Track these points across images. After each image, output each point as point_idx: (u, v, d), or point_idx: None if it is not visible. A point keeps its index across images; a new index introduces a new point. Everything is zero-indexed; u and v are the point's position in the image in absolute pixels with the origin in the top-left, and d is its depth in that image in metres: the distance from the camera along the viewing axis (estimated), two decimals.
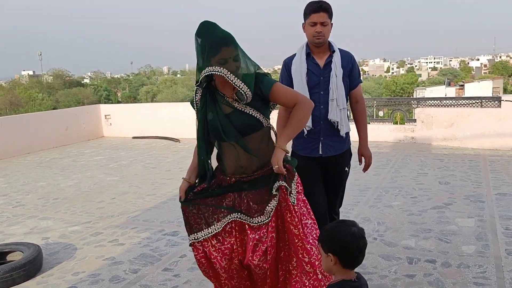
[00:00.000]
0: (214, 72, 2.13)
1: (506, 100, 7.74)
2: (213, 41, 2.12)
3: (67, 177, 7.00)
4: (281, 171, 2.21)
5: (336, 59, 2.86)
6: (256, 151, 2.27)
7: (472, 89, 43.65)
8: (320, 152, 2.91)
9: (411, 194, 5.19)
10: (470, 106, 8.25)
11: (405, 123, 9.14)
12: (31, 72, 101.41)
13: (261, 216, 2.23)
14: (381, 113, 9.91)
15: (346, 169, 3.05)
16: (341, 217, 4.47)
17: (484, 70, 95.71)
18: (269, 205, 2.22)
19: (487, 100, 8.14)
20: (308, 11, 2.80)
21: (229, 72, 2.12)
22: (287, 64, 2.97)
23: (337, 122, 2.87)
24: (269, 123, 2.33)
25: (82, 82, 77.94)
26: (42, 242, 4.26)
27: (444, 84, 57.16)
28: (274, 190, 2.21)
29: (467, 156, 7.20)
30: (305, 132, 2.88)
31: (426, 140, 8.40)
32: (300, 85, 2.84)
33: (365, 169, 3.19)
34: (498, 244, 3.70)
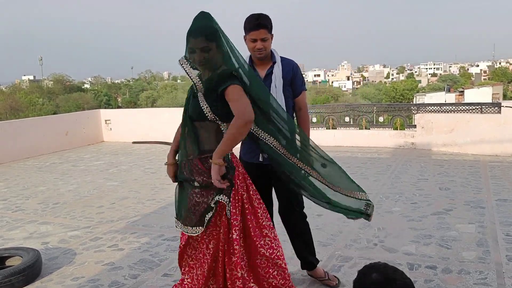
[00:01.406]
0: (179, 62, 2.35)
1: (506, 106, 7.75)
2: (188, 31, 2.30)
3: (67, 182, 6.99)
4: (220, 186, 2.30)
5: (276, 70, 2.92)
6: (202, 139, 2.41)
7: (472, 95, 43.67)
8: (260, 159, 2.95)
9: (411, 200, 5.18)
10: (470, 112, 8.25)
11: (405, 129, 9.14)
12: (31, 77, 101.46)
13: (199, 227, 2.46)
14: (381, 119, 9.91)
15: None
16: (340, 224, 4.48)
17: (484, 76, 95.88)
18: (207, 216, 2.42)
19: (487, 106, 8.14)
20: (248, 27, 2.81)
21: (185, 62, 2.32)
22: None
23: None
24: (217, 120, 2.38)
25: (83, 87, 77.96)
26: (41, 247, 4.25)
27: (444, 90, 57.21)
28: (212, 203, 2.39)
29: (467, 162, 7.20)
30: (246, 139, 2.93)
31: (426, 145, 8.40)
32: None
33: None
34: (499, 250, 3.68)
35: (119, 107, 59.31)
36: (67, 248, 4.21)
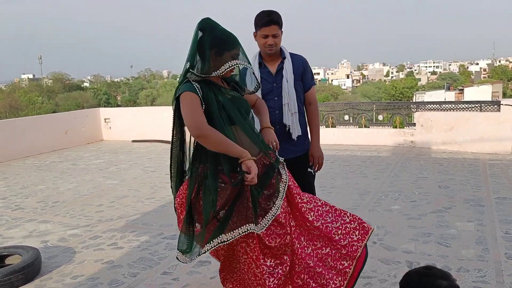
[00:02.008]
0: (241, 65, 2.34)
1: (505, 104, 7.76)
2: (228, 37, 2.30)
3: (66, 181, 6.99)
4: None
5: (287, 65, 2.97)
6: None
7: (472, 93, 43.66)
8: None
9: (410, 198, 5.18)
10: (470, 110, 8.26)
11: (405, 127, 9.15)
12: (31, 76, 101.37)
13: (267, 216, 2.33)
14: (380, 117, 9.92)
15: (309, 170, 3.12)
16: None
17: (484, 74, 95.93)
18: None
19: (486, 104, 8.15)
20: (260, 23, 2.86)
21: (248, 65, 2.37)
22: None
23: (289, 126, 2.99)
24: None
25: (82, 85, 77.97)
26: (41, 245, 4.25)
27: (444, 88, 57.22)
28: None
29: (467, 160, 7.21)
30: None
31: (426, 144, 8.40)
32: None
33: (316, 169, 3.20)
34: (498, 248, 3.69)
35: (118, 105, 59.24)
36: (66, 247, 4.21)
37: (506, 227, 4.16)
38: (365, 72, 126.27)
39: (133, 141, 10.74)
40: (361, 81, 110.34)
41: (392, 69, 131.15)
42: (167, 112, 11.02)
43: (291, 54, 3.03)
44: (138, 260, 3.80)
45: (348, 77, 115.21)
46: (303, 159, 3.09)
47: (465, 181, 5.89)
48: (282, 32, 2.93)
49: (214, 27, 2.29)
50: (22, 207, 5.67)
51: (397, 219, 4.50)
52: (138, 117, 11.18)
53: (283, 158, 2.54)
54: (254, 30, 2.95)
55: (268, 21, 2.83)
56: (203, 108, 2.27)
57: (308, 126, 3.19)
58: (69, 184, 6.75)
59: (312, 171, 3.13)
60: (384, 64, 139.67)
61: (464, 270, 3.32)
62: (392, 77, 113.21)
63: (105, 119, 11.35)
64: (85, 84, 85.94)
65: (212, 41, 2.26)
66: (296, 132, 3.01)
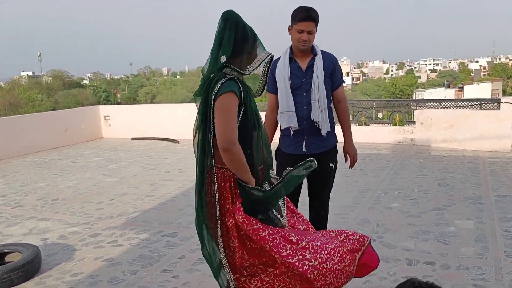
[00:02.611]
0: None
1: (505, 102, 7.75)
2: (254, 32, 2.21)
3: (66, 178, 6.99)
4: None
5: (318, 62, 2.99)
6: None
7: (471, 91, 43.70)
8: (304, 150, 3.05)
9: (410, 196, 5.19)
10: (470, 108, 8.26)
11: (404, 125, 9.14)
12: (30, 73, 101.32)
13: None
14: (380, 115, 9.92)
15: (331, 165, 3.15)
16: (339, 219, 4.48)
17: (483, 72, 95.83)
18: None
19: (486, 102, 8.15)
20: (297, 18, 2.88)
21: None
22: (271, 67, 3.03)
23: (319, 122, 3.00)
24: None
25: (82, 83, 77.92)
26: (40, 243, 4.25)
27: (444, 86, 57.22)
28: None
29: (466, 158, 7.21)
30: (292, 132, 3.04)
31: (425, 142, 8.40)
32: (283, 87, 2.99)
33: (351, 166, 3.30)
34: (497, 246, 3.69)
35: (118, 103, 59.24)
36: (66, 244, 4.21)
37: (506, 225, 4.16)
38: (364, 70, 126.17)
39: (133, 138, 10.73)
40: (360, 78, 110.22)
41: (392, 66, 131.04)
42: (167, 110, 11.02)
43: (322, 52, 3.05)
44: (138, 258, 3.81)
45: (348, 75, 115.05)
46: (328, 154, 3.12)
47: (465, 179, 5.89)
48: (316, 30, 2.94)
49: (242, 20, 2.18)
50: (22, 204, 5.67)
51: (397, 217, 4.50)
52: (137, 115, 11.17)
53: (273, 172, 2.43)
54: (290, 24, 2.96)
55: (306, 16, 2.85)
56: (242, 112, 2.14)
57: (339, 124, 3.25)
58: (68, 182, 6.75)
59: (333, 166, 3.17)
60: (384, 62, 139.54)
61: (463, 268, 3.33)
62: (392, 74, 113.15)
63: (104, 117, 11.34)
64: (84, 81, 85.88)
65: (245, 34, 2.15)
66: (325, 128, 3.04)
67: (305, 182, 3.06)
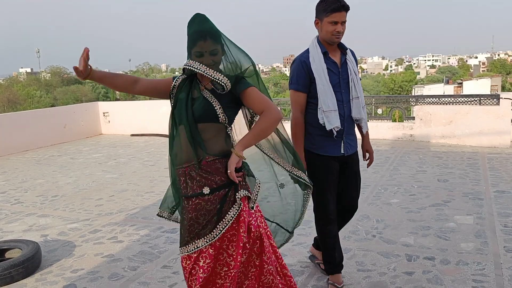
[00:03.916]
0: (186, 67, 2.16)
1: (505, 98, 7.75)
2: (192, 34, 2.15)
3: (65, 175, 6.99)
4: (233, 177, 2.16)
5: (350, 57, 2.86)
6: (207, 141, 2.20)
7: (470, 87, 43.64)
8: (342, 151, 2.87)
9: (409, 192, 5.19)
10: (469, 104, 8.25)
11: (404, 121, 9.15)
12: (29, 70, 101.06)
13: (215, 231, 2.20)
14: (379, 111, 9.93)
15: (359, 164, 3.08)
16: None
17: (483, 68, 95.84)
18: (229, 213, 2.18)
19: (485, 98, 8.14)
20: (330, 9, 2.68)
21: (205, 67, 2.12)
22: (305, 62, 2.82)
23: (361, 120, 2.86)
24: (227, 123, 2.24)
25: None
26: (40, 239, 4.26)
27: (443, 82, 57.18)
28: (238, 199, 2.19)
29: (466, 153, 7.21)
30: (335, 133, 2.79)
31: (425, 137, 8.41)
32: (325, 83, 2.75)
33: (369, 164, 3.18)
34: (497, 241, 3.70)
35: (117, 99, 59.01)
36: (66, 241, 4.22)
37: (505, 220, 4.17)
38: (364, 66, 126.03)
39: (132, 135, 10.72)
40: (360, 74, 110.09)
41: (391, 62, 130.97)
42: (166, 106, 10.92)
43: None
44: (138, 254, 3.81)
45: None
46: (356, 154, 3.01)
47: (464, 174, 5.89)
48: None
49: (193, 24, 2.18)
50: (22, 201, 5.67)
51: (396, 213, 4.51)
52: (137, 111, 11.15)
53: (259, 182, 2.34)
54: (317, 17, 2.77)
55: (339, 6, 2.67)
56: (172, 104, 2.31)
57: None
58: (68, 178, 6.75)
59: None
60: (383, 58, 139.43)
61: (463, 263, 3.33)
62: (391, 70, 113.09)
63: (103, 113, 11.32)
64: None
65: (187, 38, 2.21)
66: (366, 126, 2.93)
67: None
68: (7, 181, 6.77)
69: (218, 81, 2.13)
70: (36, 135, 9.69)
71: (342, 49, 2.86)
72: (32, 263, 3.51)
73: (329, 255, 3.03)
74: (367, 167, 3.23)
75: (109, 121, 11.27)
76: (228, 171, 2.17)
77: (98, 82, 2.33)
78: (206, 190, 2.18)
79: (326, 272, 3.14)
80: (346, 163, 2.93)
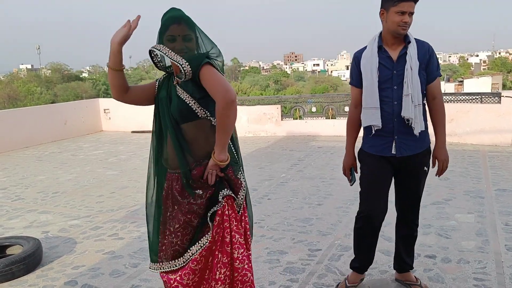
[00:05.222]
0: (153, 49, 2.04)
1: (506, 96, 7.73)
2: (166, 19, 2.05)
3: (66, 171, 6.99)
4: (209, 179, 2.06)
5: (412, 51, 2.62)
6: (195, 143, 2.09)
7: (471, 85, 43.62)
8: (393, 152, 2.69)
9: None
10: (470, 102, 8.24)
11: None
12: (29, 66, 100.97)
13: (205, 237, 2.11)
14: None
15: (425, 168, 2.81)
16: (340, 213, 4.49)
17: (483, 66, 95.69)
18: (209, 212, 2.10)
19: (487, 96, 8.12)
20: None
21: (167, 49, 1.99)
22: (357, 57, 2.76)
23: (412, 119, 2.63)
24: (209, 116, 2.08)
25: (81, 76, 77.65)
26: (41, 236, 4.26)
27: (443, 80, 57.12)
28: (220, 198, 2.09)
29: (467, 152, 7.20)
30: (373, 131, 2.69)
31: None
32: (370, 80, 2.65)
33: (439, 173, 2.88)
34: (498, 239, 3.70)
35: None
36: (67, 237, 4.22)
37: (506, 218, 4.17)
38: None
39: (133, 131, 10.72)
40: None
41: None
42: None
43: (416, 40, 2.68)
44: (139, 251, 3.81)
45: (347, 68, 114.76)
46: (422, 157, 2.76)
47: (465, 172, 5.89)
48: None
49: (166, 13, 2.10)
50: (22, 197, 5.67)
51: None
52: (137, 108, 11.05)
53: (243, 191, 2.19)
54: (382, 7, 2.62)
55: None
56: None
57: (431, 123, 2.82)
58: (69, 175, 6.74)
59: (427, 169, 2.83)
60: None
61: (464, 261, 3.33)
62: None
63: (104, 110, 11.32)
64: (83, 74, 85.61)
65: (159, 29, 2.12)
66: (419, 126, 2.66)
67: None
68: (7, 178, 6.77)
69: (177, 64, 1.97)
70: (36, 132, 9.69)
71: (405, 41, 2.65)
72: (33, 259, 3.51)
73: (358, 253, 3.03)
74: (437, 176, 2.90)
75: (109, 118, 11.26)
76: (206, 171, 2.06)
77: (114, 57, 2.12)
78: (199, 192, 2.09)
79: (350, 266, 3.09)
80: (401, 165, 2.75)
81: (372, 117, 2.65)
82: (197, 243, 2.12)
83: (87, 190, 5.85)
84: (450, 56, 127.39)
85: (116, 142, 9.64)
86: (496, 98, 7.90)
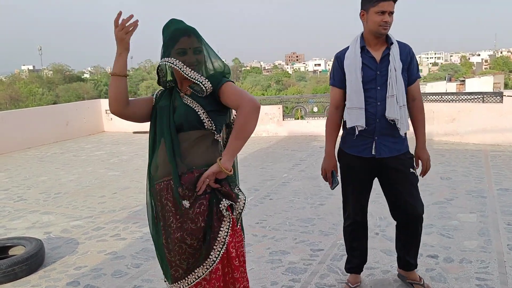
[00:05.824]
0: (167, 64, 2.00)
1: (508, 96, 7.72)
2: (173, 31, 2.02)
3: (68, 172, 7.00)
4: (199, 186, 1.97)
5: (395, 51, 2.63)
6: (188, 150, 2.03)
7: (473, 84, 43.58)
8: (373, 153, 2.69)
9: None
10: (472, 101, 8.22)
11: None
12: (31, 67, 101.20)
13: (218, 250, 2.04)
14: None
15: (412, 170, 2.80)
16: (341, 213, 4.48)
17: (485, 65, 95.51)
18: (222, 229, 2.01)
19: (489, 96, 8.11)
20: None
21: (182, 65, 1.97)
22: (339, 58, 2.74)
23: (397, 120, 2.62)
24: (214, 130, 2.05)
25: (82, 77, 77.79)
26: (44, 236, 4.27)
27: (445, 79, 57.02)
28: (224, 211, 2.00)
29: (469, 151, 7.19)
30: (357, 132, 2.67)
31: (428, 135, 8.27)
32: (354, 80, 2.64)
33: (423, 173, 2.94)
34: (500, 239, 3.69)
35: None
36: (69, 238, 4.22)
37: (509, 218, 4.16)
38: None
39: (134, 132, 10.72)
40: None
41: None
42: None
43: (397, 42, 2.70)
44: (141, 251, 3.81)
45: None
46: (404, 158, 2.77)
47: (467, 172, 5.88)
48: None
49: (171, 25, 2.08)
50: (25, 198, 5.68)
51: None
52: None
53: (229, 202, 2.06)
54: (362, 9, 2.63)
55: None
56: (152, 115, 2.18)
57: (412, 124, 2.86)
58: (71, 176, 6.76)
59: (415, 172, 2.83)
60: None
61: (466, 261, 3.33)
62: None
63: (106, 110, 11.32)
64: (85, 75, 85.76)
65: (163, 42, 2.10)
66: (405, 127, 2.68)
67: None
68: (10, 178, 6.78)
69: (197, 82, 1.97)
70: (38, 133, 9.71)
71: (388, 42, 2.66)
72: (35, 260, 3.52)
73: (347, 254, 3.06)
74: (421, 176, 2.93)
75: (111, 119, 11.27)
76: (202, 178, 1.97)
77: (119, 60, 2.12)
78: (186, 204, 1.99)
79: (345, 269, 3.12)
80: (382, 167, 2.75)
81: (357, 117, 2.64)
82: (202, 266, 2.05)
83: (89, 191, 5.85)
84: (451, 56, 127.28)
85: (118, 142, 9.65)
86: (498, 97, 7.89)
